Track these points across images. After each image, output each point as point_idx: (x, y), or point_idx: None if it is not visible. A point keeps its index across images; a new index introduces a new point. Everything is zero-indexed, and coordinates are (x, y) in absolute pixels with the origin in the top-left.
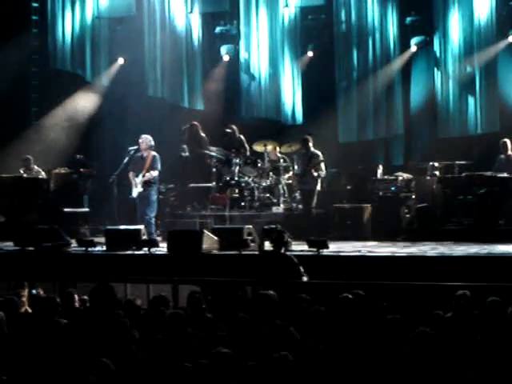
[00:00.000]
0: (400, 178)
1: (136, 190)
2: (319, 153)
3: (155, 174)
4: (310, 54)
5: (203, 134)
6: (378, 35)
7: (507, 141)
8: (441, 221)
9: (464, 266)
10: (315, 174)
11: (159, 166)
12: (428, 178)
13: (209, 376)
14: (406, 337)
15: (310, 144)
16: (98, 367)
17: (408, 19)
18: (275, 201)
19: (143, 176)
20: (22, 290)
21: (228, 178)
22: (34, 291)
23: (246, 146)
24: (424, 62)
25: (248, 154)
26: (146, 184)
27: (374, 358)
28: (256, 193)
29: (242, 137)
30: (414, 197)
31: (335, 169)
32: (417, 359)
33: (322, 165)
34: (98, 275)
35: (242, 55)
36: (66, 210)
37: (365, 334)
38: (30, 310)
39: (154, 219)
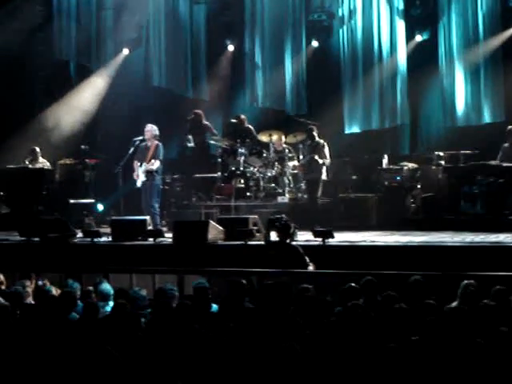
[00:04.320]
0: (405, 167)
1: (140, 180)
2: (323, 141)
3: (157, 163)
4: (315, 43)
5: (206, 122)
6: (382, 25)
7: None
8: (446, 210)
9: (469, 256)
10: (320, 161)
11: (161, 156)
12: (433, 167)
13: (217, 367)
14: (413, 326)
15: (315, 133)
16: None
17: (413, 9)
18: (280, 191)
19: (146, 165)
20: (28, 281)
21: (233, 168)
22: (40, 282)
23: (255, 134)
24: (429, 52)
25: (256, 144)
26: (149, 173)
27: (381, 347)
28: (261, 183)
29: (250, 127)
30: (419, 186)
31: (340, 159)
32: (424, 349)
33: (327, 152)
34: (103, 266)
35: (247, 45)
36: (71, 200)
37: (372, 324)
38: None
39: (159, 209)
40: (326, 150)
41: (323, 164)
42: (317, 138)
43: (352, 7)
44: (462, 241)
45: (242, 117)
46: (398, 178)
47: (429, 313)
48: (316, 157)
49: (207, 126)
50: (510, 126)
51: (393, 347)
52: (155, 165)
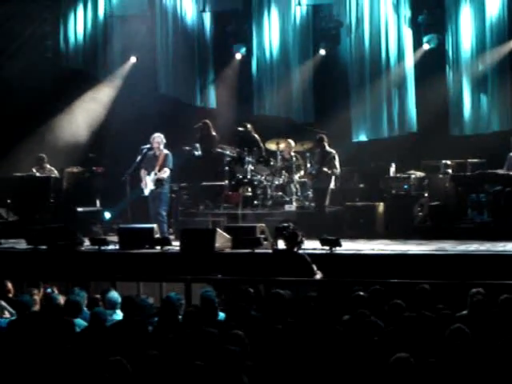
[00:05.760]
0: (413, 176)
1: (148, 189)
2: (333, 151)
3: (167, 172)
4: (323, 52)
5: (214, 133)
6: (390, 33)
7: None
8: (453, 219)
9: (476, 264)
10: (329, 171)
11: (171, 165)
12: (441, 176)
13: (220, 374)
14: (423, 335)
15: (325, 143)
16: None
17: (420, 17)
18: (288, 199)
19: (155, 174)
20: (35, 290)
21: (241, 177)
22: (49, 290)
23: (261, 145)
24: (436, 61)
25: (263, 153)
26: (159, 182)
27: (389, 355)
28: (269, 191)
29: (257, 136)
30: (426, 195)
31: (348, 167)
32: (435, 357)
33: (336, 162)
34: (111, 274)
35: (254, 53)
36: (78, 208)
37: (379, 332)
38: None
39: (166, 217)
40: (337, 161)
41: (332, 174)
42: (327, 148)
43: (359, 15)
44: (469, 249)
45: (249, 126)
46: (406, 186)
47: (439, 321)
48: (325, 169)
49: (214, 136)
50: None
51: (402, 357)
52: (166, 173)
